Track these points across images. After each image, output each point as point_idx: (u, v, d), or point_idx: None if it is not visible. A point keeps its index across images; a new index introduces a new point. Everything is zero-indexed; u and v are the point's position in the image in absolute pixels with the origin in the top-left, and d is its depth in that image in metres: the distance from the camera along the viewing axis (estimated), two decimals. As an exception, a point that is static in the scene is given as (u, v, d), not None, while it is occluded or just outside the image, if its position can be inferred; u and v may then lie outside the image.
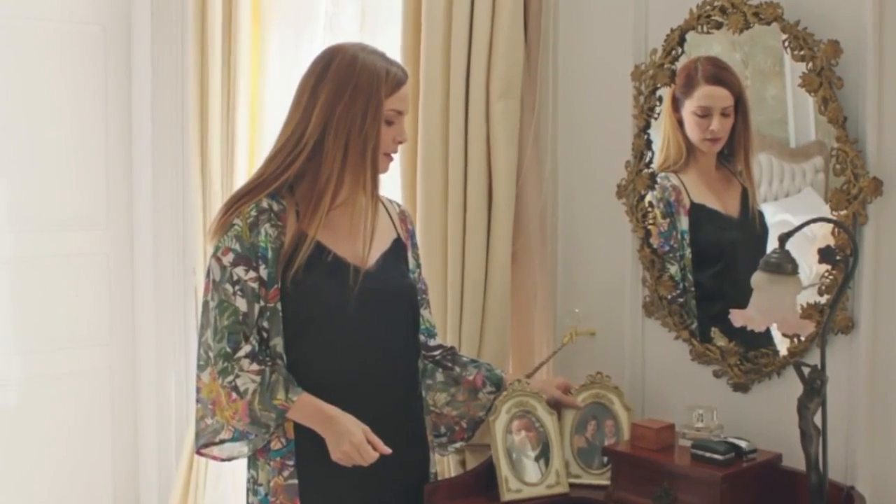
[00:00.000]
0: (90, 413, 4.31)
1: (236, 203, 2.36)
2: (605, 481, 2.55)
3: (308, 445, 2.34)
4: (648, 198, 2.76)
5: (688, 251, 2.70)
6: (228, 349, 2.29)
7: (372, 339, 2.38)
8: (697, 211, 2.68)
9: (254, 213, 2.34)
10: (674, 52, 2.65)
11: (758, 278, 2.19)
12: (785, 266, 2.16)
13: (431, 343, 2.61)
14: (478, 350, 2.93)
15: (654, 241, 2.74)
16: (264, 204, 2.35)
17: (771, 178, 2.62)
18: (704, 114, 2.58)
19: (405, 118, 2.40)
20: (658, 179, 2.72)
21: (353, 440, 2.22)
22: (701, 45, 2.61)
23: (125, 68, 4.29)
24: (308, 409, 2.27)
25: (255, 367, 2.28)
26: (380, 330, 2.39)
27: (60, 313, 4.20)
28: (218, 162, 3.91)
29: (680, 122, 2.65)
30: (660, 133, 2.72)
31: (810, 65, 2.36)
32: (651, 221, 2.75)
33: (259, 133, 3.83)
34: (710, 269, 2.71)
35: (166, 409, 4.32)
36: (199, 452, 2.42)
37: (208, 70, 3.87)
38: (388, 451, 2.25)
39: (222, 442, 2.36)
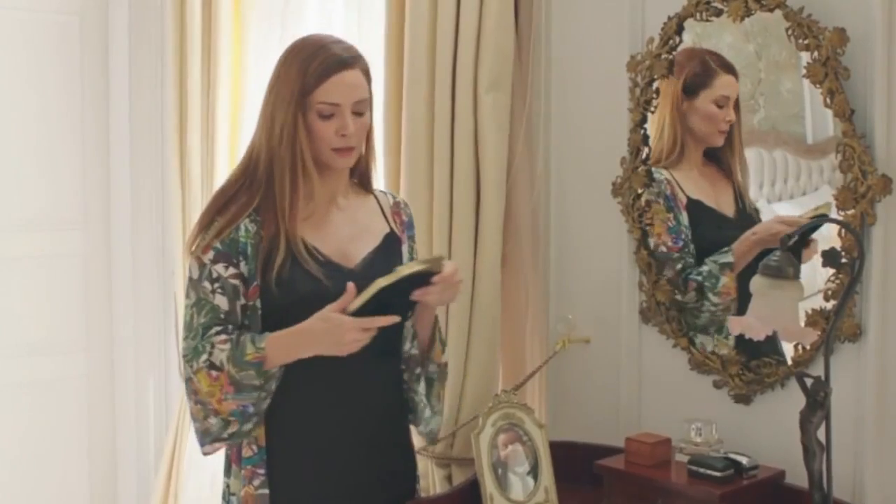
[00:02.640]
0: (65, 423, 4.24)
1: (211, 220, 2.32)
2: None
3: (280, 453, 2.30)
4: (645, 196, 2.70)
5: (692, 247, 2.64)
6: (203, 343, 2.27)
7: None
8: (694, 207, 2.64)
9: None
10: (671, 42, 2.60)
11: (757, 283, 2.13)
12: (786, 270, 2.09)
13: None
14: (465, 359, 2.87)
15: (660, 241, 2.67)
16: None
17: (786, 176, 2.58)
18: (723, 104, 2.54)
19: (347, 109, 2.24)
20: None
21: (327, 321, 2.16)
22: (711, 36, 2.57)
23: (102, 61, 4.23)
24: (279, 344, 2.21)
25: (223, 337, 2.24)
26: None
27: (33, 318, 4.13)
28: (198, 159, 3.86)
29: (682, 115, 2.59)
30: (654, 125, 2.67)
31: (815, 54, 2.31)
32: (648, 221, 2.70)
33: (240, 128, 3.78)
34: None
35: (145, 419, 4.26)
36: (205, 452, 2.35)
37: (188, 63, 3.82)
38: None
39: (231, 436, 2.29)
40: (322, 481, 2.29)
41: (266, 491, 2.30)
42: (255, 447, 2.31)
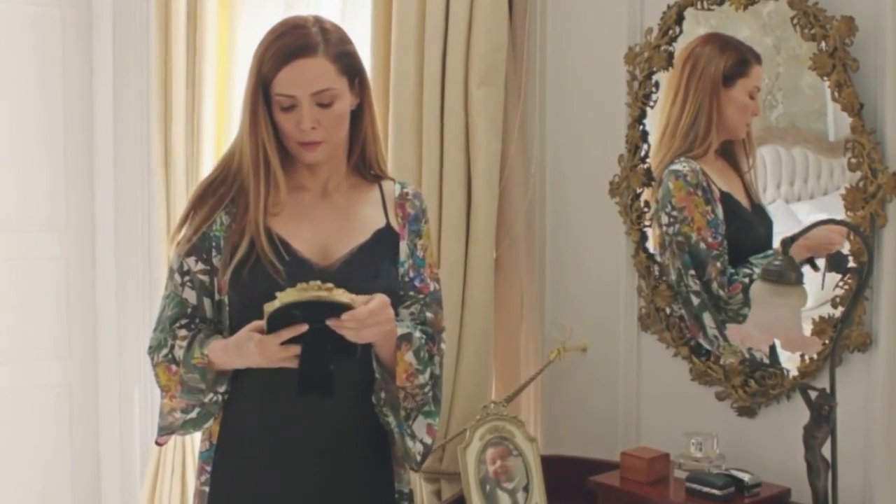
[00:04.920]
0: (48, 433, 4.23)
1: (192, 213, 2.30)
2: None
3: (227, 453, 2.28)
4: (644, 196, 2.66)
5: (726, 244, 2.57)
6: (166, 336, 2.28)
7: None
8: (727, 201, 2.56)
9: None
10: (671, 32, 2.56)
11: (757, 289, 2.07)
12: (788, 275, 2.04)
13: None
14: (454, 369, 2.81)
15: (699, 236, 2.56)
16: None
17: (806, 175, 2.55)
18: (755, 95, 2.50)
19: (305, 100, 2.16)
20: (680, 164, 2.58)
21: (248, 339, 2.09)
22: (727, 28, 2.52)
23: (85, 55, 4.21)
24: (218, 351, 2.17)
25: (183, 332, 2.24)
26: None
27: (12, 324, 4.12)
28: (182, 158, 3.85)
29: (719, 103, 2.54)
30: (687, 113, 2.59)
31: (822, 44, 2.26)
32: (647, 223, 2.66)
33: (227, 124, 3.77)
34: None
35: (130, 428, 4.24)
36: (161, 443, 2.41)
37: (172, 59, 3.81)
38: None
39: (183, 426, 2.31)
40: (265, 489, 2.24)
41: (207, 489, 2.29)
42: (208, 443, 2.31)
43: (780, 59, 2.46)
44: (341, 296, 2.03)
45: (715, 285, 2.55)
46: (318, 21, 2.23)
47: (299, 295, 2.00)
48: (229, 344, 2.15)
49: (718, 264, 2.55)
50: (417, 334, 2.24)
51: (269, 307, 2.02)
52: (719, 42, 2.53)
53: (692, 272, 2.57)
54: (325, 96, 2.18)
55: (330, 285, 2.02)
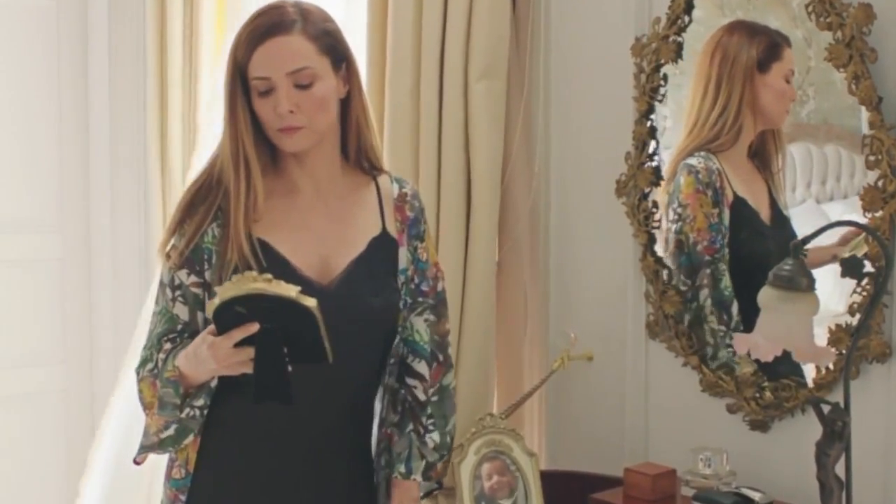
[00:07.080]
0: (41, 440, 4.20)
1: (181, 222, 2.20)
2: None
3: (204, 483, 2.20)
4: (653, 196, 2.61)
5: (726, 253, 2.52)
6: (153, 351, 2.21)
7: (318, 372, 2.15)
8: (740, 207, 2.50)
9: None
10: (679, 22, 2.53)
11: (766, 296, 1.99)
12: (799, 281, 1.95)
13: (416, 367, 2.30)
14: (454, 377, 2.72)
15: (698, 237, 2.53)
16: None
17: (839, 174, 2.52)
18: (790, 79, 2.44)
19: (281, 81, 2.07)
20: (697, 159, 2.51)
21: (203, 341, 2.02)
22: (756, 20, 2.48)
23: (81, 49, 4.17)
24: (183, 361, 2.09)
25: (168, 345, 2.15)
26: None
27: (7, 327, 4.08)
28: (179, 156, 3.85)
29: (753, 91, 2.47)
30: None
31: (838, 34, 2.21)
32: (655, 224, 2.61)
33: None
34: (743, 281, 2.51)
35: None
36: (139, 462, 2.30)
37: (168, 55, 3.81)
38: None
39: (162, 443, 2.21)
40: None
41: None
42: (184, 471, 2.22)
43: (812, 52, 2.42)
44: (285, 289, 1.90)
45: (703, 294, 2.52)
46: (298, 3, 2.14)
47: (237, 289, 1.89)
48: (188, 350, 2.07)
49: (709, 270, 2.50)
50: (428, 456, 2.25)
51: (211, 305, 1.93)
52: (746, 29, 2.47)
53: (682, 277, 2.55)
54: (303, 76, 2.07)
55: (269, 276, 1.90)
